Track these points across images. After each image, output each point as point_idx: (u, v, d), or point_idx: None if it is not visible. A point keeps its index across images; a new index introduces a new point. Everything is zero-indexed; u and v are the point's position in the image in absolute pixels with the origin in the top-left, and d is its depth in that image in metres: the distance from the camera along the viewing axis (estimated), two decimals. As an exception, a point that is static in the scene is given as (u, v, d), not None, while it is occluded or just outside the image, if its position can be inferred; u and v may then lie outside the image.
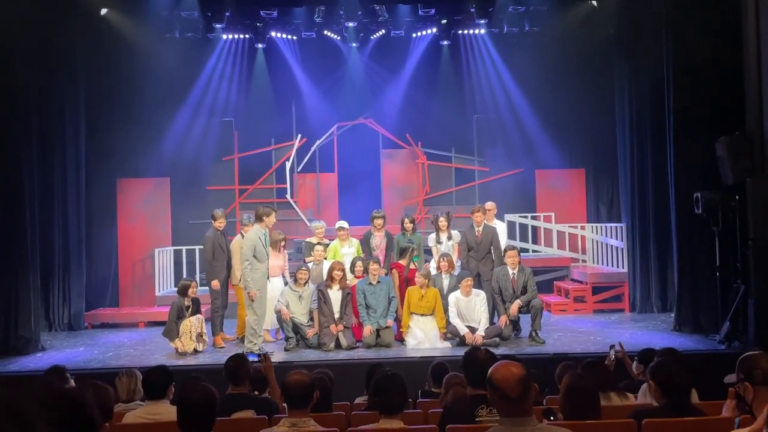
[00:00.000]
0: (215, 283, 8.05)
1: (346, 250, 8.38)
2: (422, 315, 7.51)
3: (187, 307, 7.60)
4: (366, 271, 7.77)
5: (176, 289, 8.08)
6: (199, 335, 7.57)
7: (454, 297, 7.57)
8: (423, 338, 7.43)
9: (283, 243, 8.18)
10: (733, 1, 7.78)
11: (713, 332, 7.88)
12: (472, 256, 8.13)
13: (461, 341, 7.39)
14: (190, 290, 7.65)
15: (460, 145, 11.98)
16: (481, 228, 8.16)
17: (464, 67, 11.80)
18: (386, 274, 8.02)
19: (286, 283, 7.97)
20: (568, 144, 11.55)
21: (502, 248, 8.29)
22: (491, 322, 7.71)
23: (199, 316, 7.64)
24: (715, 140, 7.70)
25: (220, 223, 8.16)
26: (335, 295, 7.66)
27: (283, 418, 3.38)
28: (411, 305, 7.50)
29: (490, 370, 2.47)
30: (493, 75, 11.71)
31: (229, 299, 8.39)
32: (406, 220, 8.43)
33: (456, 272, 7.96)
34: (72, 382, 4.20)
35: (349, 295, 7.69)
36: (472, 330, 7.47)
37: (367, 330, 7.51)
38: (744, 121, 7.59)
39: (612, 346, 5.20)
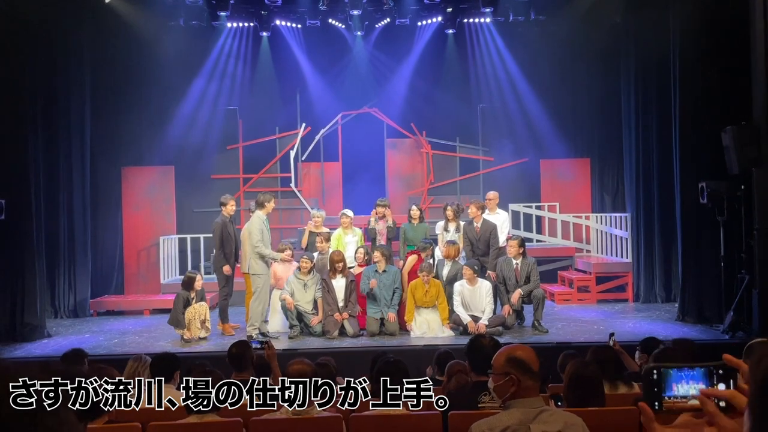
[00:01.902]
0: (227, 269, 7.92)
1: (349, 239, 8.39)
2: (426, 308, 7.53)
3: (192, 298, 7.62)
4: (370, 259, 7.79)
5: (181, 281, 8.04)
6: (203, 322, 7.60)
7: (459, 286, 7.58)
8: (427, 329, 7.45)
9: (288, 254, 8.08)
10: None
11: (717, 322, 7.88)
12: (474, 251, 8.15)
13: (464, 330, 7.41)
14: (196, 283, 7.65)
15: (464, 134, 11.95)
16: (479, 224, 8.14)
17: (469, 56, 11.74)
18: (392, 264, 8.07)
19: None
20: (574, 133, 11.51)
21: (504, 239, 8.29)
22: (494, 312, 7.73)
23: (203, 303, 7.67)
24: (721, 130, 7.67)
25: (230, 208, 8.05)
26: (339, 283, 7.69)
27: (286, 405, 3.40)
28: (416, 300, 7.50)
29: (509, 352, 2.54)
30: (499, 64, 11.65)
31: (236, 287, 8.38)
32: (414, 208, 8.47)
33: (462, 262, 7.97)
34: (86, 366, 4.24)
35: (353, 282, 7.71)
36: (476, 319, 7.49)
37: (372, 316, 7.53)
38: (750, 110, 7.55)
39: (611, 334, 5.22)
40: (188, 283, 7.65)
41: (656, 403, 1.24)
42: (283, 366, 3.89)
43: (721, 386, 1.21)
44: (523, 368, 2.45)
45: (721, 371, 1.22)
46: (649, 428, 1.19)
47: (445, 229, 8.44)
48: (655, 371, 1.26)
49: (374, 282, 7.49)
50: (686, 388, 1.24)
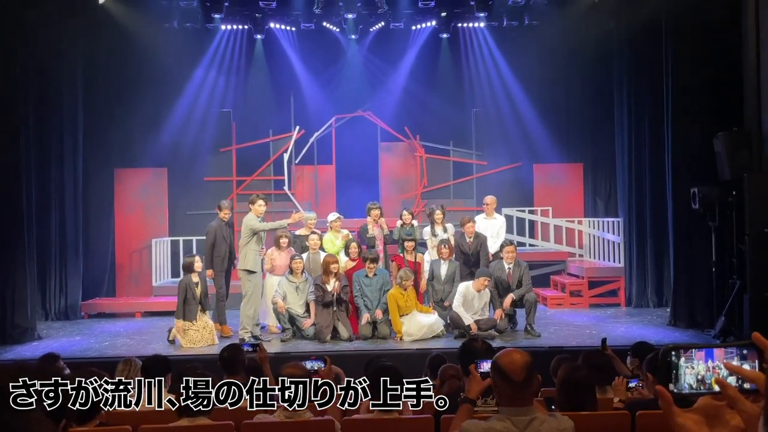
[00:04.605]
0: (210, 273, 7.94)
1: (340, 242, 8.38)
2: (408, 314, 7.53)
3: (196, 284, 7.45)
4: (364, 258, 7.80)
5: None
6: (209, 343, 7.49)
7: (464, 286, 7.58)
8: (415, 332, 7.45)
9: (285, 241, 8.10)
10: (733, -3, 7.79)
11: (708, 327, 7.92)
12: (465, 263, 8.22)
13: (461, 333, 7.40)
14: (196, 265, 7.51)
15: (458, 138, 11.97)
16: (471, 238, 8.23)
17: (463, 61, 11.77)
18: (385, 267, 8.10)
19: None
20: (567, 138, 11.55)
21: (499, 245, 8.35)
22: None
23: (213, 328, 7.54)
24: (713, 135, 7.72)
25: (226, 214, 8.06)
26: (332, 289, 7.65)
27: (279, 409, 3.40)
28: (399, 308, 7.50)
29: (495, 357, 2.51)
30: (493, 68, 11.69)
31: (232, 290, 8.32)
32: (405, 212, 8.48)
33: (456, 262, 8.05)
34: (66, 370, 4.21)
35: (346, 287, 7.68)
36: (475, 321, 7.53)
37: (365, 317, 7.51)
38: (742, 116, 7.61)
39: (604, 339, 5.23)
40: (188, 267, 7.56)
41: (674, 387, 1.16)
42: (275, 369, 3.87)
43: (746, 366, 1.14)
44: (500, 374, 2.43)
45: (745, 351, 1.14)
46: (667, 412, 1.14)
47: (433, 234, 8.47)
48: (673, 353, 1.17)
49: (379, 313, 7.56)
50: (708, 365, 1.16)
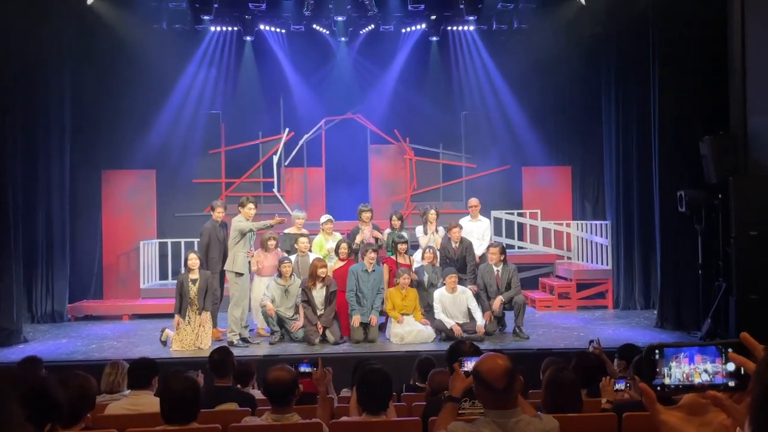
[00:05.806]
0: (207, 274, 7.94)
1: (330, 245, 8.36)
2: (406, 315, 7.56)
3: (193, 281, 7.33)
4: (361, 255, 7.81)
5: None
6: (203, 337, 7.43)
7: (439, 293, 7.61)
8: (405, 334, 7.46)
9: (272, 243, 8.08)
10: (719, 2, 7.87)
11: (695, 329, 7.99)
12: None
13: (447, 336, 7.42)
14: (189, 262, 7.40)
15: (447, 141, 12.01)
16: (457, 243, 8.25)
17: (453, 64, 11.82)
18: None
19: None
20: (555, 141, 11.61)
21: (486, 247, 8.38)
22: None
23: (207, 331, 7.46)
24: (699, 139, 7.79)
25: (219, 214, 7.99)
26: (318, 293, 7.60)
27: (267, 412, 3.39)
28: (395, 307, 7.52)
29: (475, 363, 2.49)
30: (482, 71, 11.74)
31: (225, 292, 8.27)
32: (394, 218, 8.49)
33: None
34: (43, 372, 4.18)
35: (333, 293, 7.64)
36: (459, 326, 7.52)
37: (356, 320, 7.50)
38: (728, 120, 7.69)
39: (591, 341, 5.25)
40: (184, 263, 7.52)
41: (658, 385, 1.15)
42: (263, 372, 3.86)
43: (731, 366, 1.13)
44: (481, 382, 2.42)
45: (730, 349, 1.13)
46: (651, 410, 1.13)
47: (425, 233, 8.49)
48: (657, 351, 1.17)
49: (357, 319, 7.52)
50: (691, 367, 1.15)
